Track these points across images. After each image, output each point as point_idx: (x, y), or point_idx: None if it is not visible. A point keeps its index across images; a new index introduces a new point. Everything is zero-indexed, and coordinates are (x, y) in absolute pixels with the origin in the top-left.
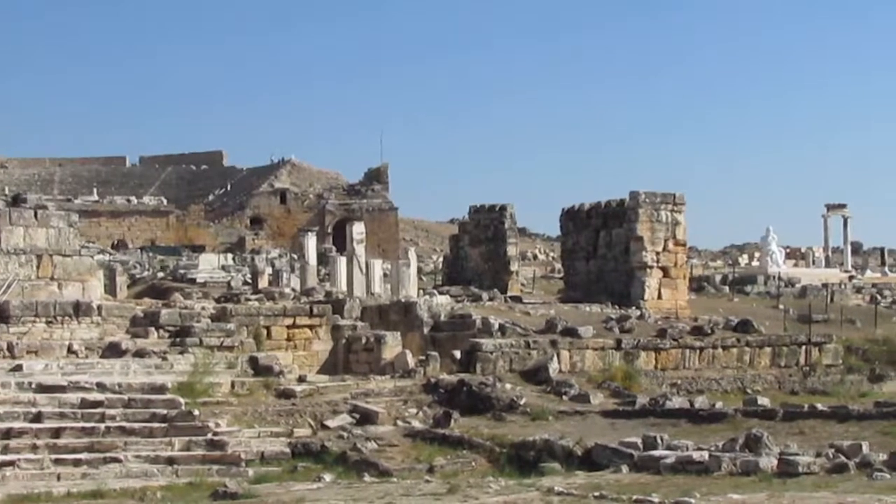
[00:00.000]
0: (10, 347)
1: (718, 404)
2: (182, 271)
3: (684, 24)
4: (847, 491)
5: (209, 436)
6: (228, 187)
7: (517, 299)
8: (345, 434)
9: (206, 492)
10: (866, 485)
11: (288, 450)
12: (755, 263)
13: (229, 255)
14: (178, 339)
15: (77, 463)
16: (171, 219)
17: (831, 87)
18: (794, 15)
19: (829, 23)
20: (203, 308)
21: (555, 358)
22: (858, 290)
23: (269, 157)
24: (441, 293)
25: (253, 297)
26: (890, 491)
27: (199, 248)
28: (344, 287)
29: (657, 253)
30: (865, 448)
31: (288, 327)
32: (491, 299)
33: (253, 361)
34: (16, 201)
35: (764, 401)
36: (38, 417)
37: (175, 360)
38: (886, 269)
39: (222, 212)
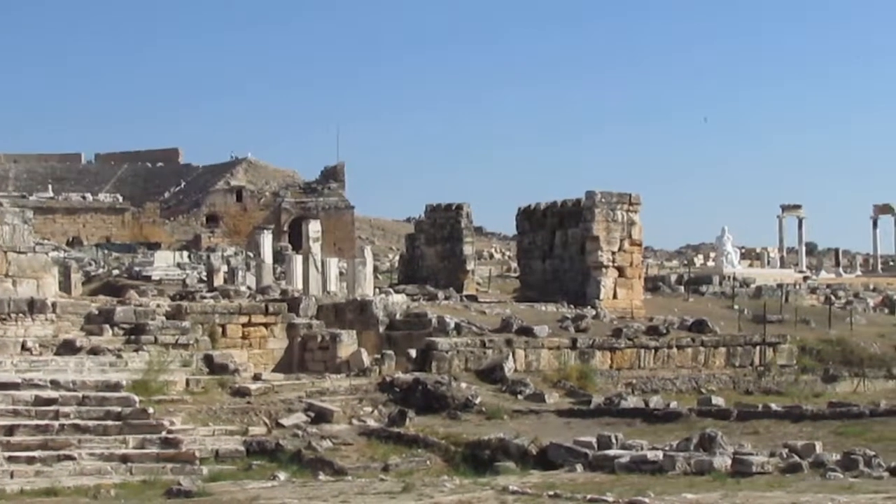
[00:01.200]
0: None
1: (673, 404)
2: (137, 269)
3: (640, 23)
4: (800, 490)
5: (163, 434)
6: (184, 185)
7: (473, 298)
8: (300, 432)
9: (160, 490)
10: (820, 484)
11: (243, 448)
12: (710, 263)
13: (185, 253)
14: (132, 337)
15: (31, 461)
16: (126, 216)
17: (787, 88)
18: (749, 15)
19: (783, 24)
20: (158, 306)
21: (510, 357)
22: (813, 290)
23: (230, 154)
24: (397, 292)
25: (208, 295)
26: (843, 490)
27: (155, 246)
28: (300, 285)
29: (613, 253)
30: (819, 448)
31: (243, 325)
32: (447, 298)
33: (208, 359)
34: None
35: (718, 401)
36: None
37: (130, 357)
38: (841, 269)
39: (178, 209)
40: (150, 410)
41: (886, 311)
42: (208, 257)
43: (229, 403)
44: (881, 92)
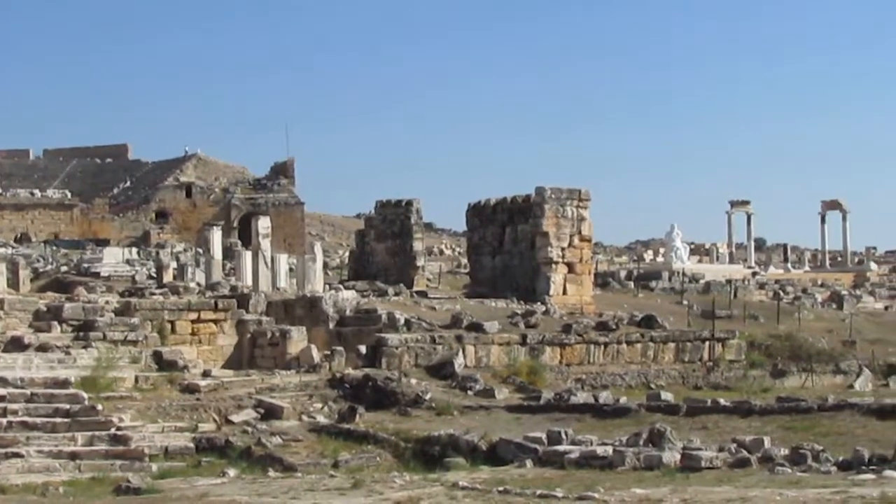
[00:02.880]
0: None
1: (622, 399)
2: (86, 265)
3: (589, 20)
4: (749, 485)
5: (112, 431)
6: (133, 181)
7: (423, 294)
8: (249, 429)
9: (108, 487)
10: (768, 479)
11: (192, 445)
12: (660, 259)
13: (134, 249)
14: (81, 334)
15: None
16: (75, 212)
17: (735, 85)
18: (698, 10)
19: (730, 21)
20: (107, 302)
21: (460, 353)
22: (761, 286)
23: (185, 149)
24: (347, 288)
25: (157, 291)
26: (791, 485)
27: (104, 242)
28: (249, 282)
29: (563, 249)
30: (767, 443)
31: (192, 322)
32: (397, 294)
33: (157, 356)
34: None
35: (667, 396)
36: None
37: (78, 354)
38: (789, 265)
39: (127, 205)
40: (99, 407)
41: (834, 306)
42: (157, 254)
43: (178, 400)
44: (829, 89)
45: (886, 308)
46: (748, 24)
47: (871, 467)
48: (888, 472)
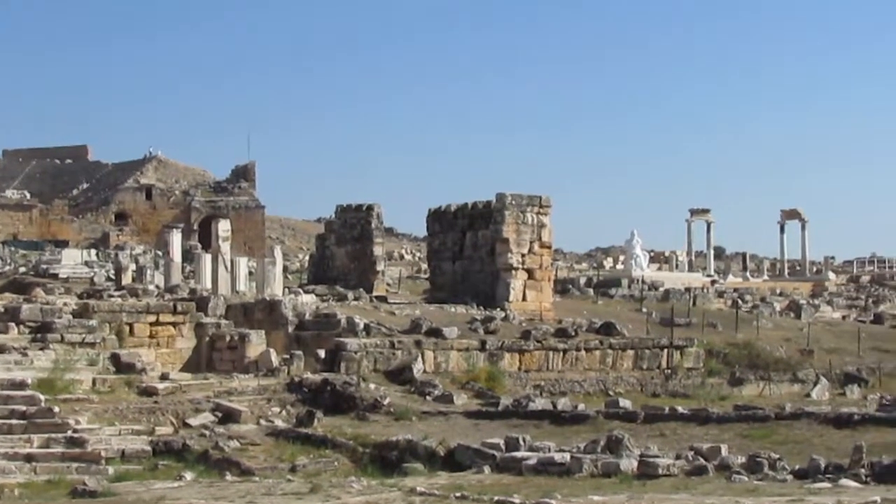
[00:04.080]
0: None
1: (581, 406)
2: (44, 266)
3: (549, 26)
4: (706, 493)
5: (69, 433)
6: (93, 182)
7: (383, 299)
8: (207, 432)
9: (64, 489)
10: (725, 487)
11: (149, 448)
12: (619, 267)
13: (93, 251)
14: (38, 335)
15: None
16: (34, 213)
17: (696, 93)
18: (658, 19)
19: (692, 28)
20: (65, 304)
21: (419, 358)
22: (720, 294)
23: (149, 150)
24: (306, 292)
25: (116, 293)
26: (747, 493)
27: (63, 244)
28: (209, 285)
29: (522, 255)
30: (724, 451)
31: (151, 324)
32: (356, 299)
33: (115, 358)
34: None
35: (626, 403)
36: None
37: (35, 356)
38: (748, 273)
39: (87, 207)
40: (56, 409)
41: (792, 315)
42: (116, 255)
43: (136, 403)
44: (789, 98)
45: (844, 317)
46: (708, 34)
47: (827, 476)
48: (844, 481)
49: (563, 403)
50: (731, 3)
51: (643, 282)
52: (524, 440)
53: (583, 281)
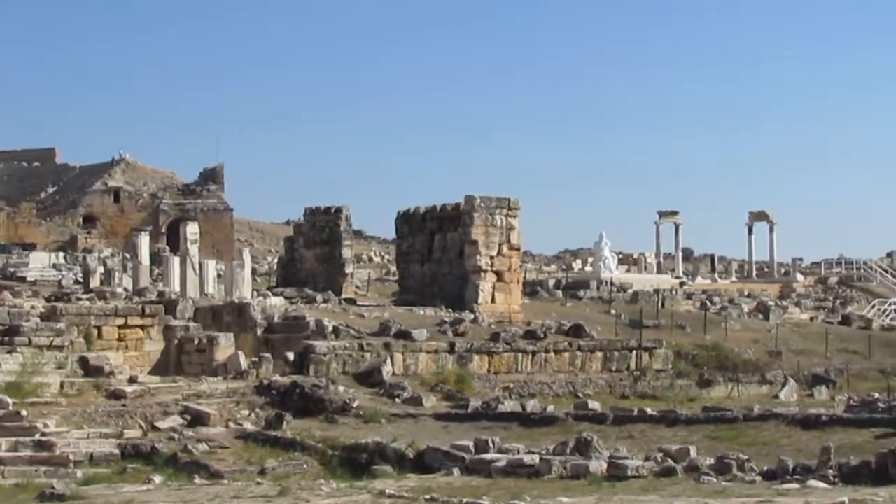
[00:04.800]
0: None
1: (550, 408)
2: (12, 269)
3: (518, 27)
4: (674, 494)
5: (37, 436)
6: (61, 185)
7: (352, 301)
8: (175, 435)
9: (32, 493)
10: (693, 488)
11: (117, 451)
12: (588, 269)
13: (61, 254)
14: (6, 339)
15: None
16: (1, 216)
17: (664, 94)
18: (628, 20)
19: (660, 29)
20: (33, 307)
21: (388, 361)
22: (689, 296)
23: (118, 152)
24: (275, 294)
25: (84, 296)
26: (716, 494)
27: (30, 247)
28: (177, 287)
29: (491, 257)
30: (693, 452)
31: (119, 327)
32: (325, 301)
33: (83, 361)
34: None
35: (595, 405)
36: None
37: (3, 359)
38: (716, 275)
39: (54, 210)
40: (24, 413)
41: (761, 316)
42: (84, 258)
43: (104, 406)
44: (757, 99)
45: (812, 319)
46: (676, 38)
47: (795, 477)
48: (812, 482)
49: (533, 405)
50: (698, 6)
51: (612, 284)
52: (493, 442)
53: (552, 283)
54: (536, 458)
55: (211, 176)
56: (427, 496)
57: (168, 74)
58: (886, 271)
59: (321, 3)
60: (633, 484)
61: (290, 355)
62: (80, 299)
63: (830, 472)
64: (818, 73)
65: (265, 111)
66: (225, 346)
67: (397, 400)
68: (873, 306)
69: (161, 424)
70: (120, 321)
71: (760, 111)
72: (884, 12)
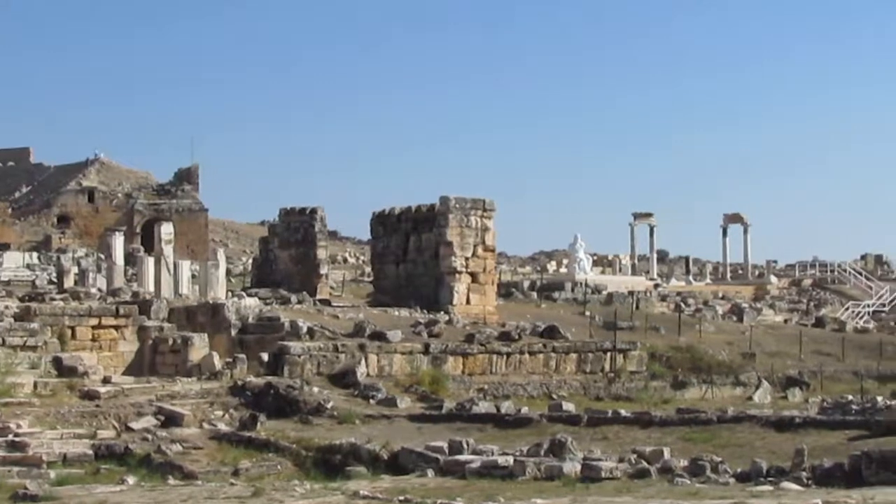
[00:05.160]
0: None
1: (524, 409)
2: None
3: (494, 28)
4: (648, 496)
5: (10, 437)
6: (35, 185)
7: (326, 302)
8: (149, 436)
9: (5, 493)
10: (667, 490)
11: (91, 452)
12: (563, 270)
13: (35, 254)
14: None
15: None
16: None
17: (639, 97)
18: (605, 23)
19: (635, 34)
20: (6, 307)
21: (363, 362)
22: (663, 297)
23: (94, 152)
24: (250, 295)
25: (58, 296)
26: (689, 496)
27: (4, 247)
28: (151, 288)
29: (466, 258)
30: (667, 454)
31: (93, 328)
32: (300, 302)
33: (57, 362)
34: None
35: (569, 406)
36: None
37: None
38: (691, 277)
39: (28, 210)
40: None
41: (735, 318)
42: (59, 258)
43: (78, 406)
44: (731, 102)
45: (786, 321)
46: (651, 38)
47: (769, 479)
48: (786, 484)
49: (507, 407)
50: (671, 8)
51: (586, 285)
52: (468, 443)
53: (526, 284)
54: (511, 459)
55: (186, 176)
56: (401, 497)
57: (143, 74)
58: (860, 274)
59: (296, 5)
60: (608, 485)
61: (265, 356)
62: (54, 299)
63: (804, 473)
64: (793, 76)
65: (240, 112)
66: (199, 346)
67: (372, 401)
68: (847, 308)
69: (135, 425)
70: (94, 321)
71: (735, 113)
72: (857, 14)
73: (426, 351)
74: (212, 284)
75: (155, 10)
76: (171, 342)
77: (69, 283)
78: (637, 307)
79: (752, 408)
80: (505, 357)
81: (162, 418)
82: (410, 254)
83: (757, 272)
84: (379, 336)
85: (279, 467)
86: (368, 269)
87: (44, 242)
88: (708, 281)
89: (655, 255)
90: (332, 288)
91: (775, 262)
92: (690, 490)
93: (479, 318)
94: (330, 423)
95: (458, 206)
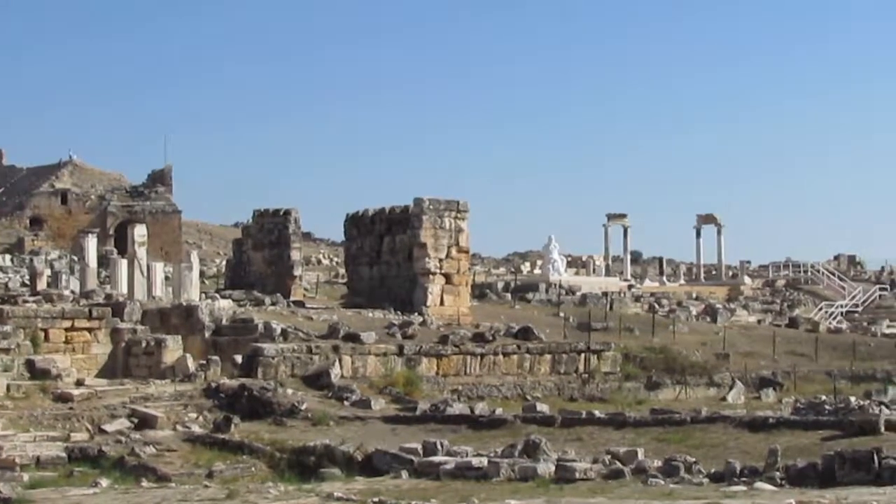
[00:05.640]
0: None
1: (498, 410)
2: None
3: (466, 29)
4: (622, 496)
5: None
6: (7, 187)
7: (300, 304)
8: (123, 438)
9: None
10: (641, 490)
11: (64, 454)
12: (537, 271)
13: (7, 256)
14: None
15: None
16: None
17: (612, 97)
18: (579, 23)
19: (609, 36)
20: None
21: (337, 363)
22: (637, 298)
23: (69, 154)
24: (223, 297)
25: (31, 298)
26: (663, 497)
27: None
28: (125, 290)
29: (440, 260)
30: (641, 454)
31: (66, 330)
32: (274, 304)
33: (30, 364)
34: None
35: (543, 407)
36: None
37: None
38: (664, 278)
39: (1, 212)
40: None
41: (708, 319)
42: (31, 260)
43: (51, 409)
44: (704, 103)
45: (759, 322)
46: (625, 39)
47: (742, 479)
48: (759, 484)
49: (481, 408)
50: (647, 10)
51: (560, 286)
52: (442, 445)
53: (500, 286)
54: (485, 460)
55: (159, 178)
56: (375, 499)
57: (116, 75)
58: (833, 274)
59: (270, 6)
60: (582, 486)
61: (239, 358)
62: (26, 302)
63: (777, 474)
64: (766, 78)
65: (214, 113)
66: (173, 348)
67: (346, 402)
68: (820, 309)
69: (108, 427)
70: (67, 324)
71: (709, 115)
72: (829, 16)
73: (400, 352)
74: (185, 286)
75: (127, 11)
76: (144, 344)
77: (42, 285)
78: (611, 308)
79: (725, 408)
80: (479, 358)
81: (135, 420)
82: (384, 255)
83: (730, 273)
84: (353, 337)
85: (253, 469)
86: (342, 271)
87: (16, 244)
88: (682, 282)
89: (629, 256)
90: (305, 289)
91: (749, 262)
92: (664, 490)
93: (453, 319)
94: (304, 424)
95: (431, 207)
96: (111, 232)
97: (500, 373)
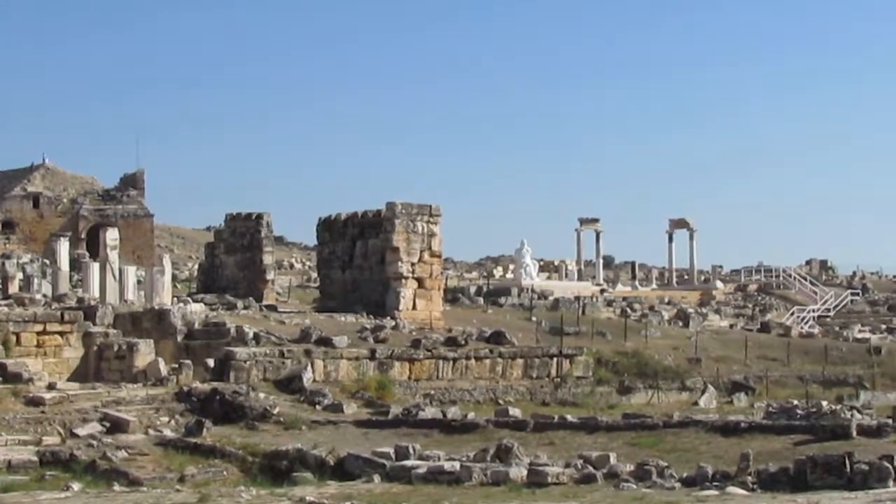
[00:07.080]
0: None
1: (471, 415)
2: None
3: (439, 34)
4: (594, 501)
5: None
6: None
7: (272, 308)
8: (94, 442)
9: None
10: (613, 495)
11: (36, 458)
12: (509, 276)
13: None
14: None
15: None
16: None
17: (584, 102)
18: (555, 27)
19: (583, 42)
20: None
21: (309, 367)
22: (609, 303)
23: (42, 157)
24: (195, 301)
25: (2, 302)
26: (635, 501)
27: None
28: (97, 294)
29: (413, 264)
30: (613, 459)
31: (38, 334)
32: (246, 308)
33: (1, 368)
34: None
35: (515, 412)
36: None
37: None
38: (637, 283)
39: None
40: None
41: (680, 324)
42: (3, 264)
43: (23, 413)
44: (676, 108)
45: (731, 326)
46: (597, 46)
47: (714, 483)
48: (731, 489)
49: (453, 412)
50: (621, 16)
51: (533, 291)
52: (414, 449)
53: (472, 290)
54: (457, 464)
55: (131, 181)
56: (347, 503)
57: (88, 79)
58: (805, 279)
59: (242, 9)
60: (554, 490)
61: (211, 362)
62: None
63: (749, 478)
64: (739, 84)
65: (186, 117)
66: (145, 352)
67: (318, 407)
68: (792, 314)
69: (80, 431)
70: (39, 327)
71: (681, 120)
72: (804, 20)
73: (372, 356)
74: (157, 290)
75: (100, 15)
76: (116, 348)
77: (14, 288)
78: (583, 313)
79: (697, 413)
80: (451, 362)
81: (107, 424)
82: (357, 259)
83: (703, 277)
84: (325, 342)
85: (225, 473)
86: (315, 275)
87: None
88: (654, 286)
89: (601, 261)
90: (278, 293)
91: (721, 267)
92: (636, 495)
93: (426, 323)
94: (276, 428)
95: (404, 211)
96: (83, 235)
97: (473, 377)
